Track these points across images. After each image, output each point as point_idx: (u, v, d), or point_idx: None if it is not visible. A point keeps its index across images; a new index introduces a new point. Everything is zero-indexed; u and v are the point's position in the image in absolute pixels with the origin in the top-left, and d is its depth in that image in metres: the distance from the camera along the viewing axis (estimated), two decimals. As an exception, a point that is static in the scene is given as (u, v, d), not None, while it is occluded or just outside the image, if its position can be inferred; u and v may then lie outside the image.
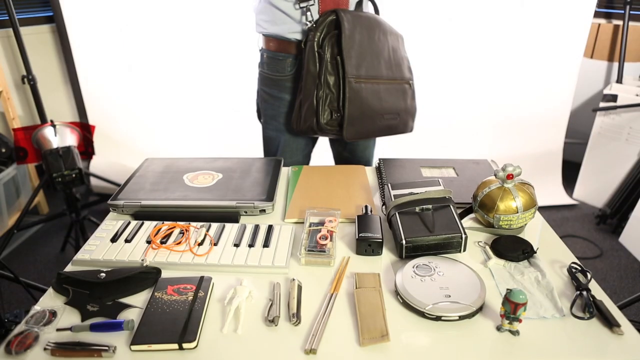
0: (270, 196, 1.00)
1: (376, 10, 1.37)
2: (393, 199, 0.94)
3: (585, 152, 2.55)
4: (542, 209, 2.51)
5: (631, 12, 2.50)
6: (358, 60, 1.22)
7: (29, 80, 2.21)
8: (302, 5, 1.22)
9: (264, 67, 1.36)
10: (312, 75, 1.23)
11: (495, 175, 0.93)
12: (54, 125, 1.89)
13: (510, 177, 0.91)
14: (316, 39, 1.22)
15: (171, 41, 2.40)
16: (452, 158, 1.29)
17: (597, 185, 2.54)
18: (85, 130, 1.98)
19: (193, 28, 2.38)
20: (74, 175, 1.82)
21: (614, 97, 2.40)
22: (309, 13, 1.23)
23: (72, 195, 1.96)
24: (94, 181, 2.59)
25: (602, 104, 2.44)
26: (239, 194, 1.01)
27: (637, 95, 2.35)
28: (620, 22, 2.61)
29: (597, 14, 2.66)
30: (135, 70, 2.45)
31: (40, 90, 2.27)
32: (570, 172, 2.74)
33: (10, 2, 2.06)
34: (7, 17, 2.14)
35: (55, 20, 2.50)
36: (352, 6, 1.28)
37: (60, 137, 1.87)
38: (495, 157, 2.58)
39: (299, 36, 1.27)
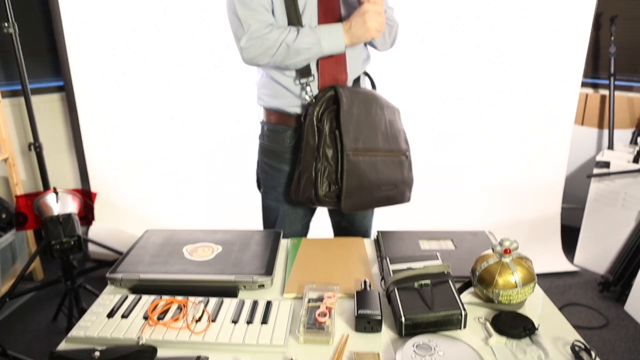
0: (269, 270, 1.00)
1: (373, 86, 1.45)
2: (392, 274, 0.94)
3: (583, 218, 2.56)
4: (544, 277, 2.48)
5: (616, 82, 2.62)
6: (355, 133, 1.26)
7: (35, 147, 2.27)
8: (302, 81, 1.29)
9: (265, 139, 1.41)
10: (311, 147, 1.27)
11: (492, 249, 0.93)
12: (56, 193, 1.91)
13: (507, 251, 0.91)
14: (315, 113, 1.27)
15: (176, 112, 2.49)
16: (449, 229, 1.29)
17: (597, 251, 2.53)
18: (86, 197, 2.00)
19: (197, 100, 2.48)
20: (72, 243, 1.81)
21: (606, 164, 2.46)
22: (308, 88, 1.29)
23: (69, 262, 1.94)
24: (91, 247, 2.58)
25: (595, 171, 2.49)
26: (238, 267, 1.01)
27: (628, 161, 2.41)
28: (606, 92, 2.72)
29: (584, 84, 2.78)
30: (139, 136, 2.52)
31: (45, 155, 2.32)
32: (569, 237, 2.74)
33: (25, 74, 2.17)
34: (21, 87, 2.25)
35: (65, 89, 2.61)
36: (350, 82, 1.35)
37: (61, 204, 1.88)
38: (493, 225, 2.59)
39: (298, 110, 1.33)
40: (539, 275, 0.94)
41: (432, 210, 2.60)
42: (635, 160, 2.39)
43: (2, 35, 2.10)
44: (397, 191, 1.37)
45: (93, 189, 2.53)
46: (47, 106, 2.62)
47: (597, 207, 2.51)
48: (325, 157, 1.27)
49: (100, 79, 2.45)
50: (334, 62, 1.29)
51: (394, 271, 0.95)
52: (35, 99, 2.32)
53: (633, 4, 2.64)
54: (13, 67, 2.32)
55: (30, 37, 2.45)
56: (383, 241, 1.19)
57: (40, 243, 2.37)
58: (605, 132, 2.79)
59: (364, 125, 1.29)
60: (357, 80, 1.37)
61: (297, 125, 1.34)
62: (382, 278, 1.01)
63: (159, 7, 2.35)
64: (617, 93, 2.67)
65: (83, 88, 2.47)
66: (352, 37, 1.24)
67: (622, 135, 2.73)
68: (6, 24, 2.04)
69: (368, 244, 1.24)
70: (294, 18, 1.24)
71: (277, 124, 1.36)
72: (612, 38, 2.59)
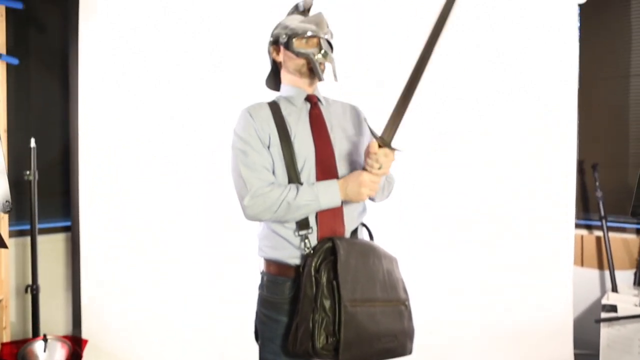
0: None
1: (371, 237, 1.49)
2: None
3: (599, 366, 2.42)
4: None
5: (608, 224, 2.68)
6: (353, 284, 1.27)
7: (32, 290, 2.24)
8: (302, 233, 1.34)
9: (264, 290, 1.42)
10: (309, 298, 1.27)
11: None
12: (45, 340, 1.84)
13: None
14: (313, 264, 1.29)
15: (174, 254, 2.51)
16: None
17: (622, 405, 2.33)
18: (76, 344, 1.92)
19: (198, 245, 2.52)
20: (51, 398, 1.69)
21: (613, 308, 2.40)
22: (307, 240, 1.34)
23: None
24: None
25: (603, 315, 2.41)
26: None
27: (635, 305, 2.35)
28: (600, 233, 2.77)
29: (578, 226, 2.85)
30: (137, 284, 2.50)
31: (40, 297, 2.27)
32: (590, 388, 2.55)
33: (36, 219, 2.24)
34: (29, 227, 2.30)
35: (72, 230, 2.66)
36: (347, 234, 1.40)
37: (49, 353, 1.81)
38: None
39: (298, 261, 1.35)
40: None
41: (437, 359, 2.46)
42: (642, 304, 2.34)
43: (22, 179, 2.23)
44: (397, 343, 1.33)
45: (85, 334, 2.42)
46: (50, 246, 2.64)
47: (611, 354, 2.38)
48: (323, 308, 1.26)
49: (106, 224, 2.50)
50: (331, 215, 1.35)
51: None
52: (39, 239, 2.35)
53: (611, 153, 2.84)
54: (25, 209, 2.41)
55: (45, 180, 2.57)
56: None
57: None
58: (607, 272, 2.77)
59: (362, 276, 1.30)
60: (354, 232, 1.42)
61: (296, 276, 1.35)
62: None
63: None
64: (612, 234, 2.72)
65: (89, 230, 2.52)
66: (346, 196, 1.34)
67: (624, 276, 2.71)
68: (28, 172, 2.18)
69: (369, 407, 1.15)
70: (294, 176, 1.35)
71: (277, 275, 1.38)
72: (597, 183, 2.73)
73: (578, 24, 2.69)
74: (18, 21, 2.49)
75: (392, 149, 1.32)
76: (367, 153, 1.33)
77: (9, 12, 2.35)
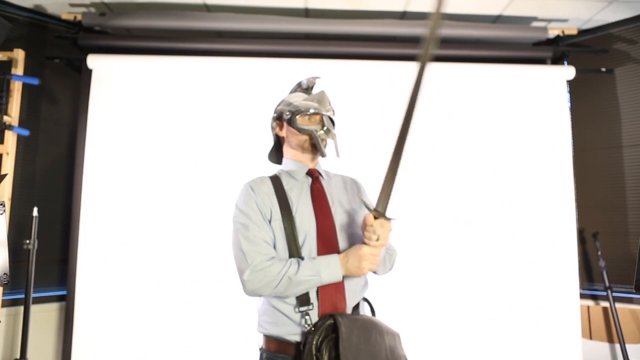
0: None
1: (372, 312, 1.46)
2: None
3: None
4: None
5: (614, 294, 2.62)
6: (355, 364, 1.23)
7: (20, 364, 2.15)
8: (302, 309, 1.31)
9: (263, 368, 1.36)
10: (310, 378, 1.22)
11: None
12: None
13: None
14: (314, 342, 1.25)
15: (176, 325, 2.45)
16: None
17: None
18: None
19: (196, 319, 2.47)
20: None
21: (629, 385, 2.29)
22: (307, 317, 1.31)
23: None
24: None
25: (618, 394, 2.30)
26: None
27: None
28: (607, 304, 2.70)
29: (583, 296, 2.78)
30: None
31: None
32: None
33: (31, 289, 2.19)
34: (23, 297, 2.24)
35: (67, 299, 2.60)
36: (349, 309, 1.37)
37: None
38: None
39: (298, 338, 1.32)
40: None
41: None
42: (658, 382, 2.23)
43: (21, 247, 2.21)
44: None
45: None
46: (42, 315, 2.57)
47: None
48: (325, 389, 1.21)
49: (103, 293, 2.47)
50: (333, 291, 1.33)
51: None
52: (32, 308, 2.29)
53: (610, 222, 2.83)
54: (21, 277, 2.37)
55: (43, 248, 2.54)
56: None
57: None
58: (617, 346, 2.67)
59: (364, 354, 1.26)
60: (356, 307, 1.40)
61: (296, 353, 1.31)
62: None
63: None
64: (619, 305, 2.65)
65: (85, 300, 2.47)
66: (347, 271, 1.33)
67: (636, 350, 2.60)
68: (27, 241, 2.18)
69: None
70: (294, 250, 1.35)
71: (276, 352, 1.34)
72: (599, 253, 2.69)
73: (568, 98, 2.81)
74: (31, 94, 2.60)
75: (388, 219, 1.33)
76: (364, 226, 1.34)
77: (25, 86, 2.46)
